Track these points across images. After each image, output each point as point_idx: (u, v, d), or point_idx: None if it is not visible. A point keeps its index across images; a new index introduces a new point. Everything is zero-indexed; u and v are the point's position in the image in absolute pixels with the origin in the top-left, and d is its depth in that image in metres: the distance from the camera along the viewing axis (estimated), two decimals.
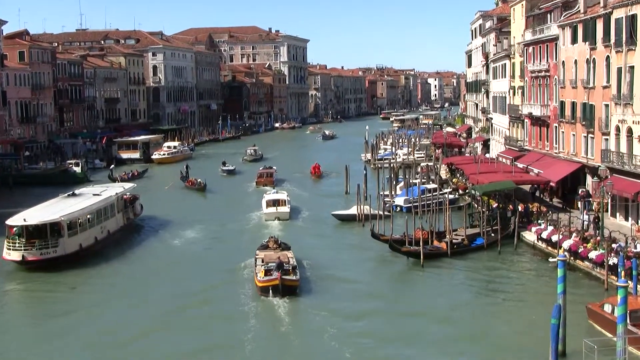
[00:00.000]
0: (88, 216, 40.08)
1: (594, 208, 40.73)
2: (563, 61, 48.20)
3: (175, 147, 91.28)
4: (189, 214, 51.33)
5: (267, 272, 31.41)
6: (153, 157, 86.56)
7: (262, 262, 33.39)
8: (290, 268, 32.13)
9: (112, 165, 74.53)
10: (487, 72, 77.00)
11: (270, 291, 30.28)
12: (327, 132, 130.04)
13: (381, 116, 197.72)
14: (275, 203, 49.07)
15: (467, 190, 52.15)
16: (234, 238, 43.72)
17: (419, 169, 62.13)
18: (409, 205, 48.14)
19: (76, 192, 44.99)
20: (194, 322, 28.05)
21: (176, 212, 51.99)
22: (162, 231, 46.27)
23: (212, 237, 44.40)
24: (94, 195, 43.89)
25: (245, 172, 72.79)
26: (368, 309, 29.70)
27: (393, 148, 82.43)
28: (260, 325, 27.76)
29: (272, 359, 24.70)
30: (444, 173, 63.81)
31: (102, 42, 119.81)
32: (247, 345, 25.69)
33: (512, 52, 61.86)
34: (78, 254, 38.00)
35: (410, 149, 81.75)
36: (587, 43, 43.90)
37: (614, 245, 31.98)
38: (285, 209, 48.56)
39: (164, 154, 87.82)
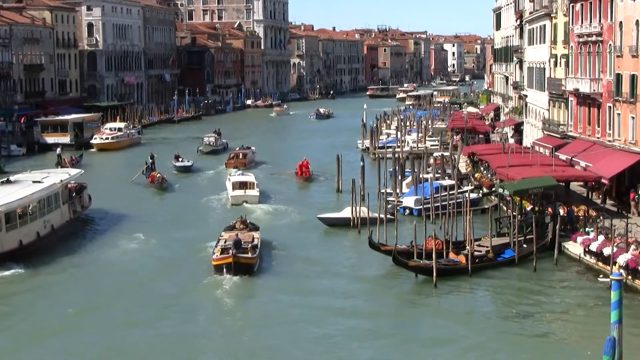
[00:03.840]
0: (29, 207, 41.43)
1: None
2: (620, 22, 48.04)
3: (120, 130, 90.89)
4: (145, 207, 54.61)
5: (224, 251, 37.35)
6: (93, 141, 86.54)
7: (225, 242, 38.97)
8: (249, 247, 37.85)
9: (60, 148, 74.27)
10: (521, 36, 76.91)
11: (224, 269, 36.22)
12: (321, 110, 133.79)
13: (368, 93, 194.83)
14: (243, 185, 54.69)
15: (493, 189, 52.03)
16: (198, 226, 47.53)
17: (432, 161, 61.95)
18: (419, 207, 47.91)
19: (11, 178, 46.52)
20: (138, 300, 33.97)
21: (130, 204, 54.14)
22: (116, 225, 48.68)
23: (174, 227, 47.92)
24: (34, 182, 45.09)
25: (203, 169, 71.78)
26: (359, 345, 29.48)
27: (399, 133, 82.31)
28: (202, 302, 33.66)
29: (203, 336, 30.08)
30: (463, 166, 63.69)
31: None
32: (178, 320, 31.61)
33: (554, 10, 61.75)
34: (17, 252, 39.39)
35: (420, 135, 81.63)
36: None
37: None
38: (254, 192, 54.18)
39: (107, 138, 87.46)
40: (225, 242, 39.01)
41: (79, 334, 30.65)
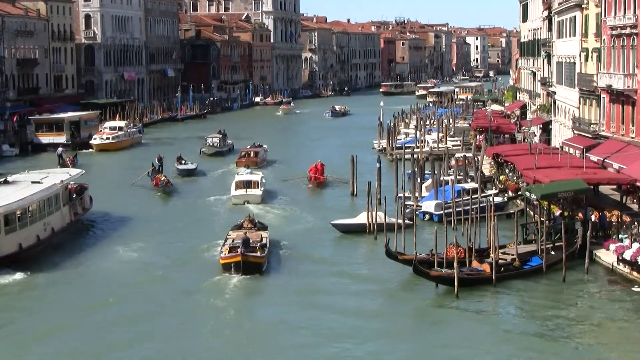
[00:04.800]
0: (29, 209, 42.22)
1: None
2: None
3: (121, 129, 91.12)
4: (148, 209, 55.25)
5: (232, 249, 39.11)
6: (92, 141, 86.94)
7: (233, 241, 40.68)
8: (258, 246, 39.71)
9: (62, 149, 75.09)
10: (550, 29, 76.70)
11: (232, 268, 37.99)
12: (337, 108, 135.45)
13: (381, 90, 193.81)
14: (247, 185, 56.24)
15: (519, 192, 51.93)
16: (203, 229, 48.67)
17: (454, 162, 61.88)
18: (440, 212, 47.88)
19: (9, 179, 47.33)
20: (143, 301, 35.50)
21: (132, 206, 55.08)
22: (118, 228, 49.66)
23: (178, 229, 49.36)
24: (33, 182, 45.88)
25: (207, 172, 71.46)
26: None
27: (418, 133, 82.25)
28: (210, 301, 35.22)
29: (211, 335, 31.55)
30: (487, 168, 63.60)
31: None
32: (186, 318, 33.14)
33: (585, 0, 61.59)
34: (17, 257, 40.12)
35: (441, 135, 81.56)
36: None
37: None
38: (257, 191, 55.58)
39: (107, 138, 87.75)
40: (233, 241, 40.57)
41: (79, 337, 31.66)
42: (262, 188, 56.27)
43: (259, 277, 38.17)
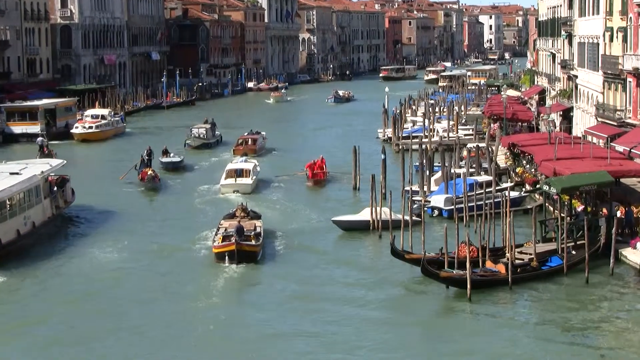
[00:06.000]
0: (8, 202, 42.55)
1: None
2: None
3: (104, 118, 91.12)
4: (133, 203, 56.01)
5: (225, 238, 40.88)
6: (74, 131, 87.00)
7: (226, 230, 42.46)
8: (252, 234, 41.64)
9: (42, 139, 75.63)
10: (571, 6, 76.64)
11: (226, 257, 39.59)
12: (340, 93, 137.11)
13: (381, 75, 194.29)
14: (237, 173, 57.92)
15: (537, 186, 51.96)
16: (192, 221, 49.87)
17: (465, 153, 61.90)
18: (451, 207, 47.87)
19: None
20: (132, 291, 37.07)
21: (116, 200, 55.97)
22: (103, 222, 50.40)
23: (165, 223, 50.51)
24: (12, 174, 46.21)
25: (194, 165, 71.36)
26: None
27: (426, 121, 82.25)
28: (203, 291, 36.69)
29: (205, 325, 32.91)
30: (502, 159, 63.59)
31: None
32: (181, 308, 34.55)
33: None
34: None
35: (452, 123, 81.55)
36: None
37: None
38: (247, 180, 57.23)
39: (90, 127, 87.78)
40: (226, 230, 42.35)
41: (58, 332, 32.68)
42: (254, 177, 57.78)
43: (253, 266, 39.72)
